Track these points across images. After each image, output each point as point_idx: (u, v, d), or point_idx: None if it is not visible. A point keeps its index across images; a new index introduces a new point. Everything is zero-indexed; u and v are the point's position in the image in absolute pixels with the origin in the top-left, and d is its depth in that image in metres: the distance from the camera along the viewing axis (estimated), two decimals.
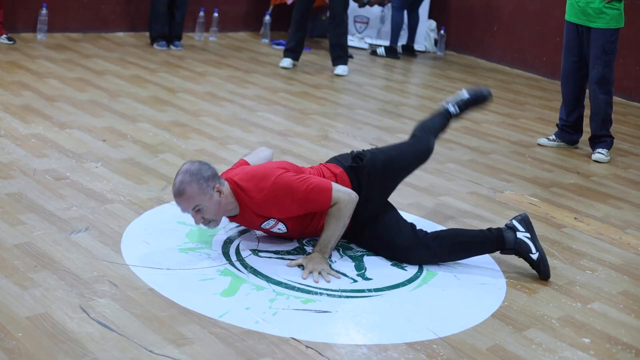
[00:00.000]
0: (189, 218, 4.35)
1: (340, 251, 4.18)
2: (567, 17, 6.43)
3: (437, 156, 5.96)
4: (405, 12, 9.66)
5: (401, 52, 9.82)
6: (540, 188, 5.57)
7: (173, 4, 8.70)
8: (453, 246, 4.14)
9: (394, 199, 4.97)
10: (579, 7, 6.28)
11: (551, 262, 4.36)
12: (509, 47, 9.79)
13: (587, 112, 6.58)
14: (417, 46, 10.09)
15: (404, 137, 6.31)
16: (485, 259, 4.28)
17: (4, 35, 8.09)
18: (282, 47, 9.19)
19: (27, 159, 5.05)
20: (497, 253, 4.21)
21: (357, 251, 4.21)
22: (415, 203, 5.01)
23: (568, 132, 6.57)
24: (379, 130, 6.49)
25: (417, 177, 5.46)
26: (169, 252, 3.99)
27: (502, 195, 5.33)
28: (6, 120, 5.73)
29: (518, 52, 9.69)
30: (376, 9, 10.11)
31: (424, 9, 10.03)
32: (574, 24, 6.37)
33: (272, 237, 4.23)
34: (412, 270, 4.07)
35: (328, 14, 8.54)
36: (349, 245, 4.26)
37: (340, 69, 8.35)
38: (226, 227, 4.33)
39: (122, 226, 4.23)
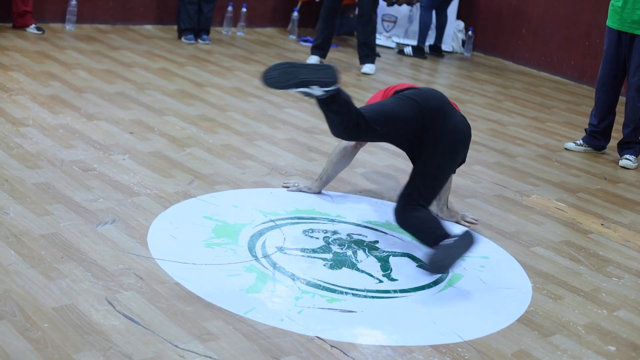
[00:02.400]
0: (214, 213, 4.36)
1: (366, 251, 4.17)
2: (609, 23, 6.35)
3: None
4: (434, 12, 9.64)
5: (428, 52, 9.80)
6: (567, 193, 5.53)
7: None
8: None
9: None
10: (624, 14, 6.21)
11: (577, 268, 4.34)
12: (536, 49, 9.74)
13: (618, 118, 6.55)
14: (445, 46, 10.06)
15: None
16: (511, 264, 4.26)
17: (33, 25, 8.11)
18: (309, 44, 9.18)
19: (55, 150, 5.06)
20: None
21: (383, 252, 4.19)
22: None
23: (596, 138, 6.52)
24: None
25: None
26: (195, 246, 3.99)
27: (528, 199, 5.30)
28: (34, 110, 5.75)
29: (546, 55, 9.64)
30: (404, 8, 10.08)
31: (452, 10, 9.99)
32: (617, 31, 6.30)
33: (297, 234, 4.19)
34: None
35: (357, 11, 8.52)
36: (374, 245, 4.25)
37: (368, 68, 8.34)
38: (253, 223, 4.32)
39: (148, 219, 4.23)
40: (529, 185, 5.56)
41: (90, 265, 3.67)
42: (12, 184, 4.46)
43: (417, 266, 4.09)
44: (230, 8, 9.40)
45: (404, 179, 5.15)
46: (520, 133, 6.87)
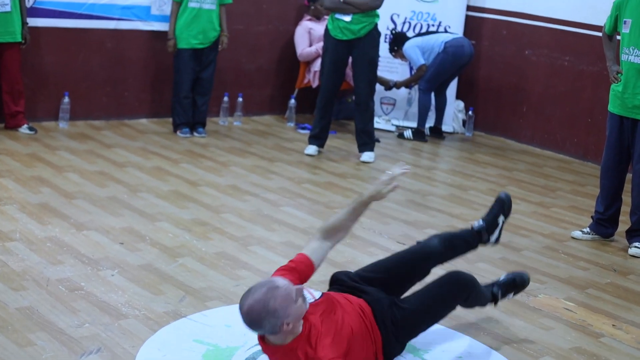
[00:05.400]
0: (205, 336, 4.16)
1: None
2: (610, 108, 6.20)
3: (467, 255, 5.73)
4: (433, 94, 9.51)
5: (429, 134, 9.65)
6: (576, 290, 5.32)
7: (196, 91, 8.60)
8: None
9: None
10: (624, 99, 6.06)
11: None
12: (538, 127, 9.59)
13: (625, 199, 6.36)
14: (445, 127, 9.92)
15: (430, 231, 6.11)
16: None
17: (25, 125, 8.00)
18: (307, 132, 9.04)
19: (41, 267, 4.89)
20: None
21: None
22: None
23: (604, 226, 6.32)
24: (407, 226, 6.28)
25: None
26: None
27: (535, 299, 5.09)
28: (22, 222, 5.59)
29: (548, 133, 9.48)
30: (403, 90, 9.96)
31: (451, 90, 9.87)
32: (618, 116, 6.14)
33: None
34: None
35: (354, 98, 8.40)
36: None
37: (367, 156, 8.18)
38: (245, 345, 4.11)
39: (135, 346, 4.03)
40: (536, 284, 5.34)
41: None
42: None
43: None
44: (226, 98, 9.29)
45: None
46: (525, 222, 6.67)
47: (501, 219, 4.59)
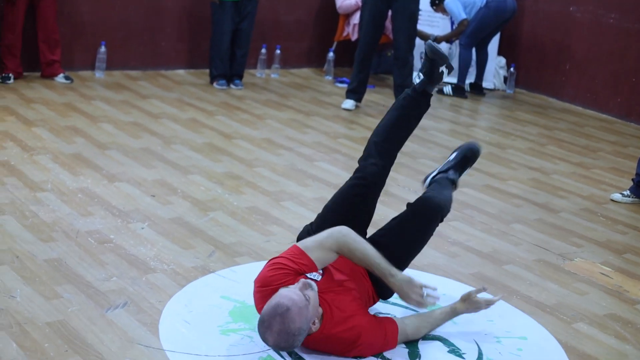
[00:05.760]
0: (233, 292, 4.11)
1: None
2: None
3: (503, 215, 5.65)
4: (474, 50, 9.34)
5: (469, 90, 9.50)
6: (613, 254, 5.20)
7: (234, 42, 8.49)
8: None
9: (455, 267, 4.68)
10: None
11: (623, 347, 4.02)
12: (581, 86, 9.39)
13: None
14: (486, 84, 9.75)
15: (467, 191, 6.02)
16: (552, 346, 3.95)
17: (62, 75, 7.96)
18: (345, 86, 8.92)
19: (71, 218, 4.86)
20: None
21: None
22: (478, 273, 4.68)
23: None
24: None
25: (481, 241, 5.16)
26: (210, 334, 3.73)
27: (571, 263, 4.98)
28: (54, 172, 5.56)
29: (591, 92, 9.28)
30: (443, 45, 9.78)
31: (493, 46, 9.69)
32: None
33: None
34: (471, 357, 3.76)
35: (393, 52, 8.26)
36: None
37: None
38: None
39: (162, 301, 3.99)
40: (572, 247, 5.23)
41: None
42: (23, 260, 4.26)
43: (447, 352, 3.80)
44: (264, 50, 9.19)
45: (440, 244, 4.87)
46: (564, 183, 6.53)
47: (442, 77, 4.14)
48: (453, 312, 3.89)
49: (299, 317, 3.33)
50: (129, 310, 3.88)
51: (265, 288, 3.53)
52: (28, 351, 3.46)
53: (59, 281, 4.09)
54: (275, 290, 3.45)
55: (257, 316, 3.88)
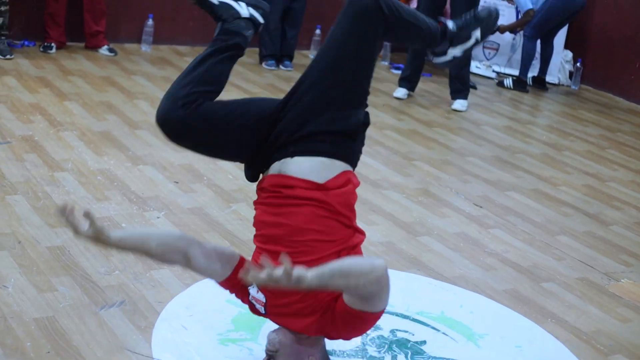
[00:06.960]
0: None
1: (409, 356, 3.55)
2: None
3: (549, 224, 5.25)
4: (538, 42, 8.90)
5: (531, 84, 9.05)
6: None
7: (286, 22, 8.18)
8: None
9: (489, 282, 4.32)
10: None
11: None
12: None
13: None
14: (550, 78, 9.30)
15: (513, 195, 5.65)
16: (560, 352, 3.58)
17: (106, 47, 7.73)
18: (400, 72, 8.55)
19: (86, 202, 4.60)
20: None
21: (429, 358, 3.56)
22: (513, 290, 4.30)
23: None
24: (487, 186, 5.78)
25: (521, 253, 4.77)
26: (207, 343, 3.44)
27: (617, 284, 4.57)
28: (78, 151, 5.31)
29: None
30: (507, 35, 9.35)
31: (559, 39, 9.22)
32: None
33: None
34: None
35: None
36: (420, 348, 3.62)
37: (458, 104, 7.67)
38: None
39: (162, 302, 3.70)
40: (620, 265, 4.83)
41: None
42: (25, 247, 4.01)
43: None
44: (318, 31, 8.86)
45: (475, 253, 4.52)
46: (620, 192, 6.10)
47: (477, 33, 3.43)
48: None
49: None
50: (125, 310, 3.60)
51: None
52: (8, 349, 3.21)
53: (57, 272, 3.83)
54: None
55: (261, 325, 3.59)
